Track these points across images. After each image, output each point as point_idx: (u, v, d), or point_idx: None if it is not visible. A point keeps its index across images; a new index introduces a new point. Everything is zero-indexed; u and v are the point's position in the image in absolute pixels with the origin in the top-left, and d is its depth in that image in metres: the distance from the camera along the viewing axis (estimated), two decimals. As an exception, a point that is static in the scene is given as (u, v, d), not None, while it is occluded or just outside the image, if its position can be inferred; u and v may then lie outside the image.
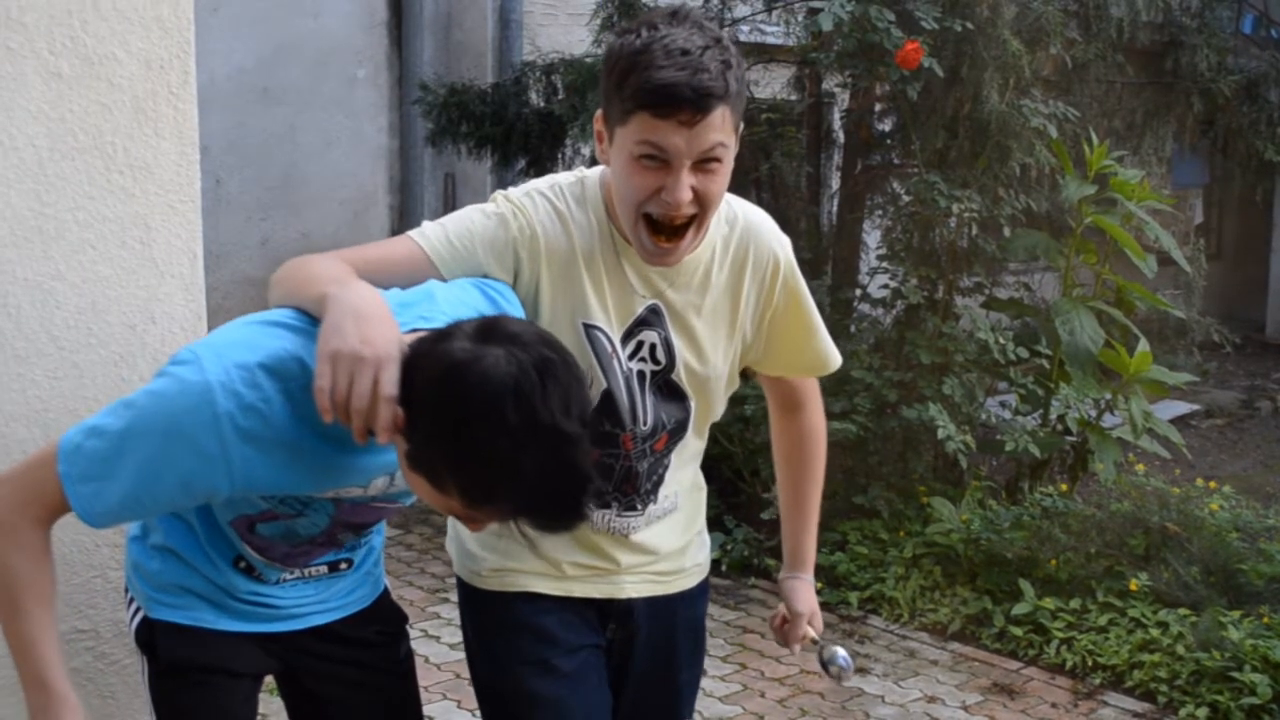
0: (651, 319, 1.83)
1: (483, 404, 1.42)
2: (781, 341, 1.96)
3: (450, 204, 7.05)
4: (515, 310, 1.74)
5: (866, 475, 5.05)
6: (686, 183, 1.66)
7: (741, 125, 1.72)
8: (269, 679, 1.99)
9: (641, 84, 1.62)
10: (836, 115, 5.88)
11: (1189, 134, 6.95)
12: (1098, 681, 4.09)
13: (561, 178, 1.85)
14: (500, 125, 5.93)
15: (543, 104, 5.98)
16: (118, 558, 2.11)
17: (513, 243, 1.76)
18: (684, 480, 1.98)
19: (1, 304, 2.02)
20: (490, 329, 1.48)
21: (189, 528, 1.81)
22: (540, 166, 5.96)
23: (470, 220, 1.78)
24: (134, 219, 2.14)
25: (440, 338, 1.50)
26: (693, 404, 1.90)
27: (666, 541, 1.97)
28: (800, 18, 5.52)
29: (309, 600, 1.90)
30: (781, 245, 1.91)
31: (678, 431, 1.91)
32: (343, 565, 1.91)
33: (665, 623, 2.01)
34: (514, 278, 1.77)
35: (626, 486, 1.89)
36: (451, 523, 1.98)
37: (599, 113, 1.74)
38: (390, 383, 1.48)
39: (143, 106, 2.14)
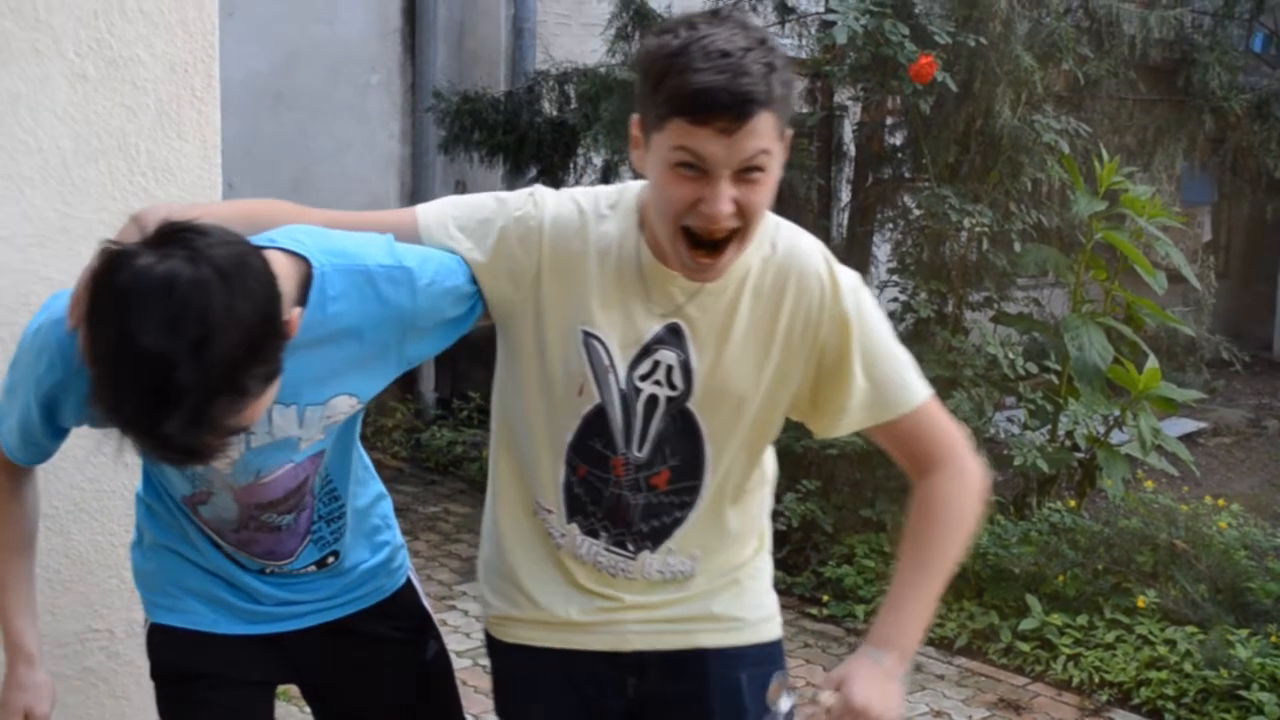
0: (669, 338, 1.68)
1: (91, 303, 1.40)
2: (823, 392, 1.72)
3: (461, 211, 7.06)
4: (414, 279, 1.63)
5: (874, 489, 5.05)
6: (727, 194, 1.53)
7: (789, 131, 1.59)
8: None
9: (678, 88, 1.50)
10: (848, 128, 5.89)
11: (1200, 151, 6.95)
12: (1104, 698, 4.08)
13: (604, 187, 1.74)
14: (513, 134, 5.96)
15: (555, 113, 6.01)
16: (135, 558, 2.12)
17: (501, 229, 1.67)
18: (712, 546, 1.77)
19: (24, 303, 2.03)
20: (172, 233, 1.41)
21: (174, 522, 1.81)
22: (552, 175, 5.98)
23: (479, 195, 1.74)
24: (156, 221, 2.15)
25: None
26: (708, 446, 1.71)
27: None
28: (814, 30, 5.54)
29: (309, 597, 1.86)
30: (832, 277, 1.69)
31: (684, 473, 1.72)
32: (330, 560, 1.85)
33: (693, 684, 1.78)
34: (490, 258, 1.67)
35: (616, 517, 1.73)
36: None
37: (635, 117, 1.61)
38: None
39: (166, 109, 2.15)
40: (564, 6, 7.14)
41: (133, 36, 2.11)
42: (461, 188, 7.17)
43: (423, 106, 6.80)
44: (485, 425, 7.01)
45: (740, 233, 1.58)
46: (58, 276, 2.05)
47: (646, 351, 1.68)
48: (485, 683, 3.96)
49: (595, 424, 1.70)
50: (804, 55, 5.76)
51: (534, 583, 1.77)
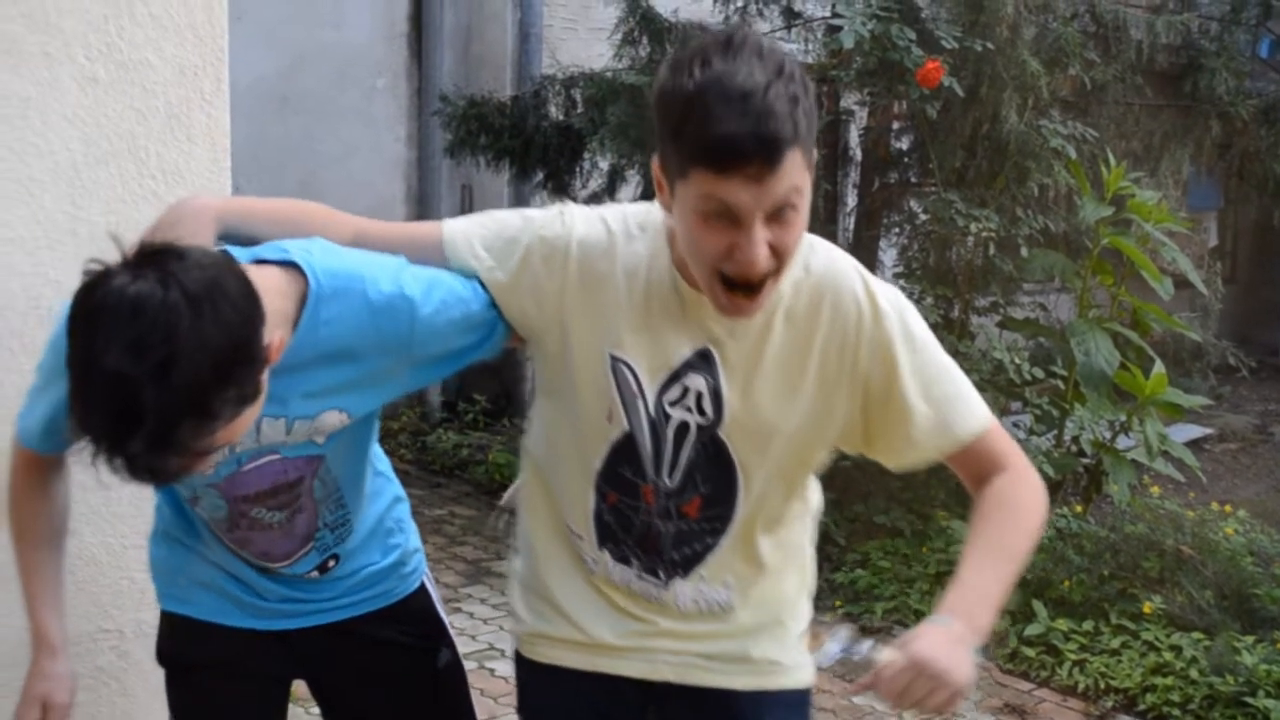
0: (699, 364, 1.62)
1: (69, 321, 1.42)
2: (877, 422, 1.65)
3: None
4: (428, 299, 1.62)
5: (887, 498, 5.06)
6: (761, 239, 1.45)
7: (815, 154, 1.50)
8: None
9: (699, 137, 1.41)
10: (854, 133, 5.90)
11: (1206, 157, 6.94)
12: (1110, 704, 4.07)
13: (634, 205, 1.68)
14: (519, 138, 5.97)
15: (561, 117, 6.02)
16: (144, 559, 2.13)
17: (526, 248, 1.62)
18: (746, 574, 1.73)
19: (34, 306, 2.04)
20: (150, 254, 1.43)
21: (182, 518, 1.82)
22: (558, 180, 6.00)
23: (508, 211, 1.71)
24: (165, 224, 2.16)
25: None
26: (741, 476, 1.66)
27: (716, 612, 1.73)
28: (820, 35, 5.54)
29: (314, 596, 1.86)
30: (870, 298, 1.62)
31: (716, 501, 1.67)
32: (330, 563, 1.85)
33: None
34: (513, 278, 1.63)
35: (647, 545, 1.69)
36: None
37: (655, 160, 1.53)
38: None
39: (176, 113, 2.16)
40: (570, 11, 7.15)
41: (142, 40, 2.11)
42: (467, 192, 7.19)
43: (429, 110, 6.81)
44: (491, 429, 7.03)
45: (776, 271, 1.52)
46: (67, 279, 2.05)
47: (676, 377, 1.63)
48: (491, 686, 3.98)
49: (624, 451, 1.66)
50: (810, 60, 5.77)
51: (570, 601, 1.75)
